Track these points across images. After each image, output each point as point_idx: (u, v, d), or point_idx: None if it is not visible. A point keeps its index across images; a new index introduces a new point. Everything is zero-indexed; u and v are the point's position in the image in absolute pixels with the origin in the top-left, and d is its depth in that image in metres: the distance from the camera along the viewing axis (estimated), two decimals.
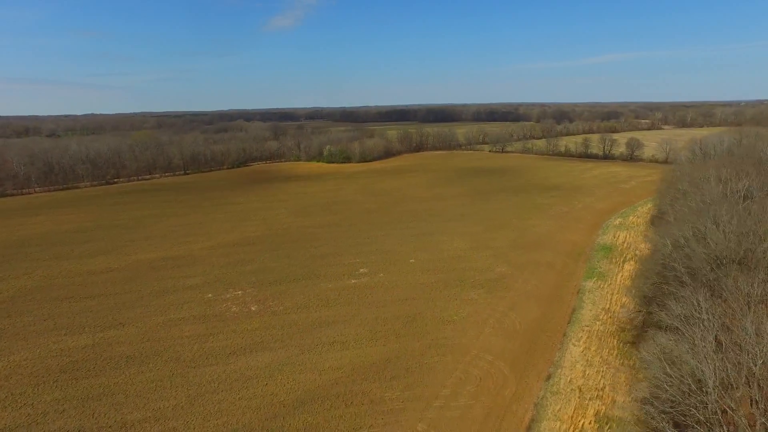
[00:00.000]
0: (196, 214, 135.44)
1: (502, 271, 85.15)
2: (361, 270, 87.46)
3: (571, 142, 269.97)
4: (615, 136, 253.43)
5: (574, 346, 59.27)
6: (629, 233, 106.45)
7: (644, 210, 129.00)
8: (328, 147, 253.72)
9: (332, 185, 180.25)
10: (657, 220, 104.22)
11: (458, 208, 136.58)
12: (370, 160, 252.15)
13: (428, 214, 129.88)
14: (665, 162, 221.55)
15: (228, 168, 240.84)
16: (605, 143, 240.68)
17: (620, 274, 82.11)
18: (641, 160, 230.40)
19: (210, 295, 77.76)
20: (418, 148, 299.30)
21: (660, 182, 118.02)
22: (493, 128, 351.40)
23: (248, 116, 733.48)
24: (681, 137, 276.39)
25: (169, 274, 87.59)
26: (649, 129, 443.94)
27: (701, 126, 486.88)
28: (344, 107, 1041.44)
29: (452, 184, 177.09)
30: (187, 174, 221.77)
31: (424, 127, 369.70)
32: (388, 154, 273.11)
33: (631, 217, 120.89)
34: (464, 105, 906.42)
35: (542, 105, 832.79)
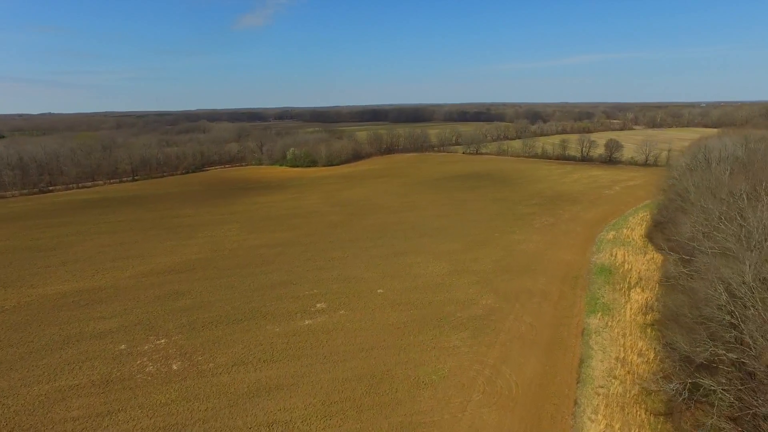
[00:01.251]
0: (134, 231, 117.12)
1: (488, 304, 70.84)
2: (318, 305, 71.85)
3: (548, 144, 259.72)
4: (593, 137, 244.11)
5: (592, 422, 45.13)
6: (627, 251, 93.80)
7: (636, 221, 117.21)
8: (291, 150, 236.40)
9: (293, 193, 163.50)
10: (660, 237, 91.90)
11: (433, 219, 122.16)
12: (337, 164, 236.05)
13: (400, 227, 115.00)
14: (645, 164, 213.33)
15: (182, 173, 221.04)
16: (583, 145, 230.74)
17: (628, 306, 68.81)
18: (620, 162, 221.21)
19: (123, 346, 60.94)
20: (389, 150, 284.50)
21: (657, 191, 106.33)
22: (467, 129, 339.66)
23: (216, 116, 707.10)
24: (652, 138, 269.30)
25: (78, 314, 70.14)
26: (621, 129, 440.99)
27: (670, 126, 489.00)
28: (315, 107, 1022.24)
29: (426, 190, 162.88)
30: (136, 180, 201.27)
31: (395, 127, 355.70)
32: (356, 156, 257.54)
33: (624, 230, 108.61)
34: (436, 105, 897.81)
35: (513, 105, 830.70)
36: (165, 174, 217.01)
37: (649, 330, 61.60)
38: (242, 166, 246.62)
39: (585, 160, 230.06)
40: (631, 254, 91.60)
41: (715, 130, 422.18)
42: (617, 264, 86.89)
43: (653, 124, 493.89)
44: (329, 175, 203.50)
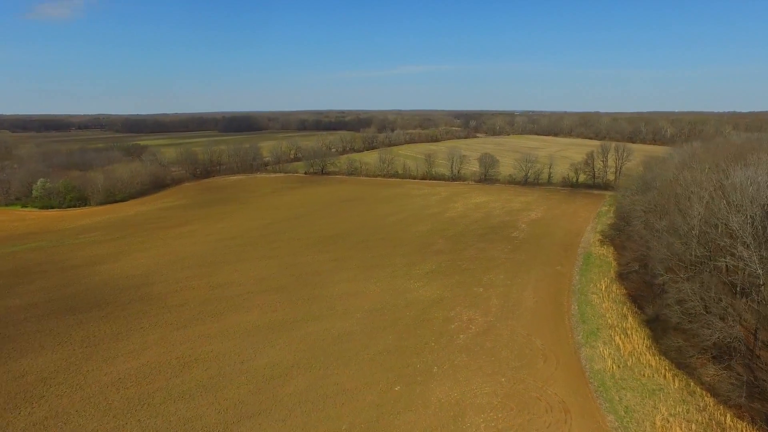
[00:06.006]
0: None
1: None
2: None
3: (410, 158, 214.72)
4: (464, 151, 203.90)
5: None
6: (676, 417, 44.26)
7: (607, 305, 70.96)
8: (41, 181, 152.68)
9: (5, 276, 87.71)
10: (711, 371, 44.24)
11: (263, 338, 61.30)
12: (121, 199, 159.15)
13: (186, 386, 51.79)
14: (525, 183, 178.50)
15: None
16: (453, 160, 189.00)
17: None
18: (497, 180, 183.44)
19: None
20: (207, 172, 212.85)
21: (665, 274, 60.08)
22: (307, 141, 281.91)
23: None
24: (504, 146, 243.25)
25: None
26: (466, 137, 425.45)
27: (508, 134, 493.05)
28: (132, 115, 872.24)
29: (250, 250, 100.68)
30: None
31: (217, 142, 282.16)
32: (157, 184, 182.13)
33: (615, 338, 60.31)
34: (271, 112, 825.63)
35: (353, 112, 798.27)
36: None
37: None
38: None
39: (456, 178, 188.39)
40: None
41: (551, 137, 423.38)
42: None
43: (494, 132, 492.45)
44: (98, 224, 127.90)
